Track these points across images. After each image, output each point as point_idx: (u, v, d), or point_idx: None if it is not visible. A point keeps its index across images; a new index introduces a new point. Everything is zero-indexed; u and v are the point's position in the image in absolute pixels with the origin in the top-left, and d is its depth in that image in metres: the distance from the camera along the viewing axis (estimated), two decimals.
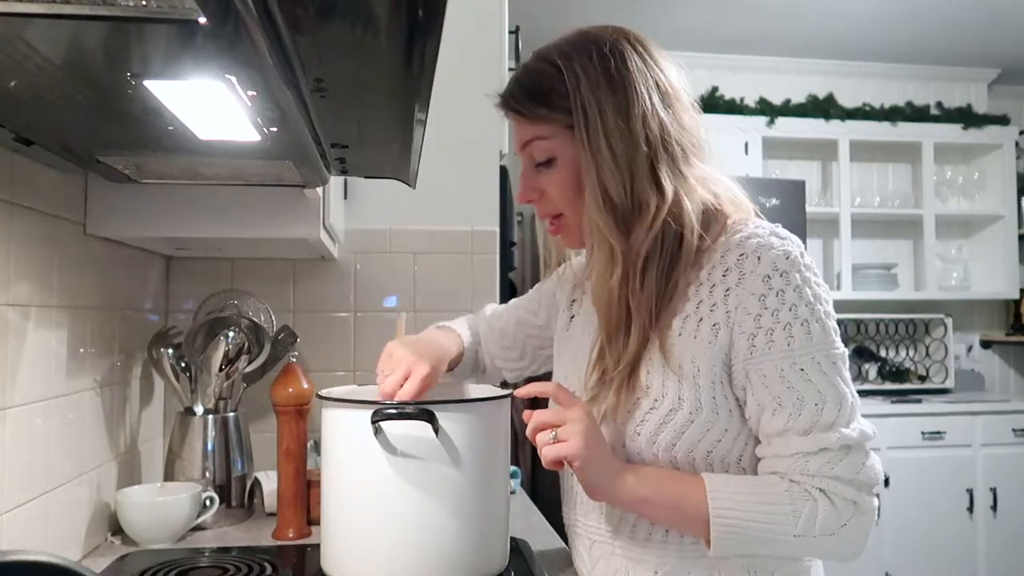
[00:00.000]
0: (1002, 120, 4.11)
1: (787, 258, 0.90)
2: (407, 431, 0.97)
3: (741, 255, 0.91)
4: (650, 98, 0.94)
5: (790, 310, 0.88)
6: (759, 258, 0.90)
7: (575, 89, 0.94)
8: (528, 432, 0.93)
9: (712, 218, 0.96)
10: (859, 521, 0.87)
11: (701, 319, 0.92)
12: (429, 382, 1.06)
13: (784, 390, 0.88)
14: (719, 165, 1.01)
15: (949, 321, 4.10)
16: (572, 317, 1.14)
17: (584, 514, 1.03)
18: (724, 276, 0.92)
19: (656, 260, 0.94)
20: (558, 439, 0.90)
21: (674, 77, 0.98)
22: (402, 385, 1.04)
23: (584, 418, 0.91)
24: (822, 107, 3.97)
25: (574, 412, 0.91)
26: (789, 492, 0.87)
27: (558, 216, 1.02)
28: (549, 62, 0.97)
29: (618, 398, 0.94)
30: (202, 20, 0.54)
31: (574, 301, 1.15)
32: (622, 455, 0.95)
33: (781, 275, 0.89)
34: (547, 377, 1.16)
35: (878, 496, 0.91)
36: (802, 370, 0.88)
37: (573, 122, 0.95)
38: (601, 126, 0.93)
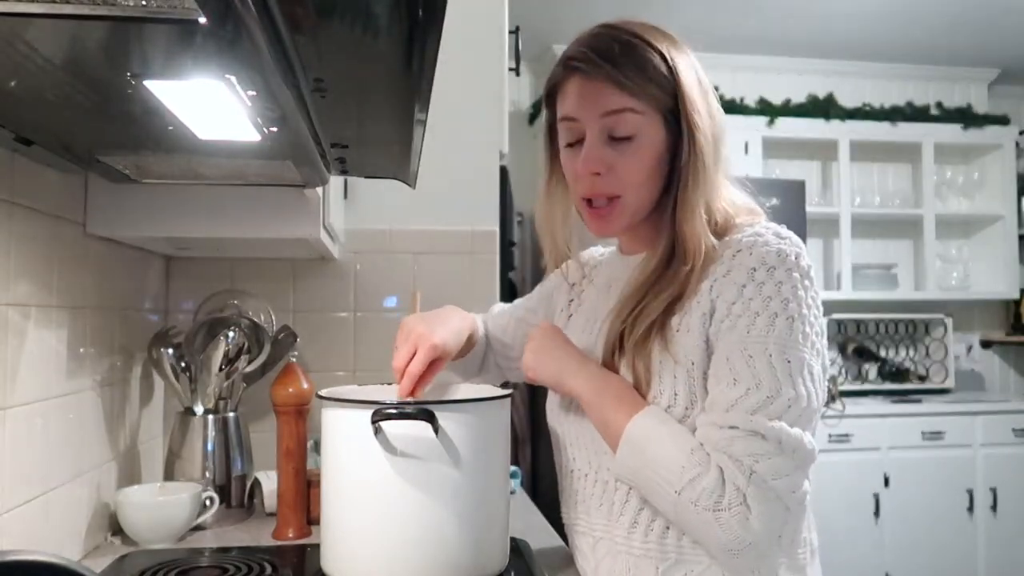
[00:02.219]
0: (1002, 120, 4.10)
1: (778, 255, 0.90)
2: (407, 431, 0.97)
3: (738, 251, 0.93)
4: (713, 105, 0.99)
5: (763, 301, 0.89)
6: (751, 253, 0.91)
7: (680, 78, 0.95)
8: None
9: (728, 223, 0.98)
10: (740, 516, 0.83)
11: (693, 313, 0.93)
12: (437, 354, 1.07)
13: (725, 371, 0.88)
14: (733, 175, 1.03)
15: (949, 321, 4.10)
16: (570, 316, 1.14)
17: (587, 512, 1.03)
18: (716, 269, 0.93)
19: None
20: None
21: None
22: (410, 360, 1.06)
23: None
24: (822, 107, 3.96)
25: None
26: (693, 453, 0.87)
27: (614, 198, 0.98)
28: (648, 44, 0.95)
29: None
30: (202, 20, 0.54)
31: (571, 301, 1.16)
32: None
33: (768, 270, 0.90)
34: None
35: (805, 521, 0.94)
36: (751, 356, 0.87)
37: (673, 107, 0.95)
38: (698, 118, 0.95)
